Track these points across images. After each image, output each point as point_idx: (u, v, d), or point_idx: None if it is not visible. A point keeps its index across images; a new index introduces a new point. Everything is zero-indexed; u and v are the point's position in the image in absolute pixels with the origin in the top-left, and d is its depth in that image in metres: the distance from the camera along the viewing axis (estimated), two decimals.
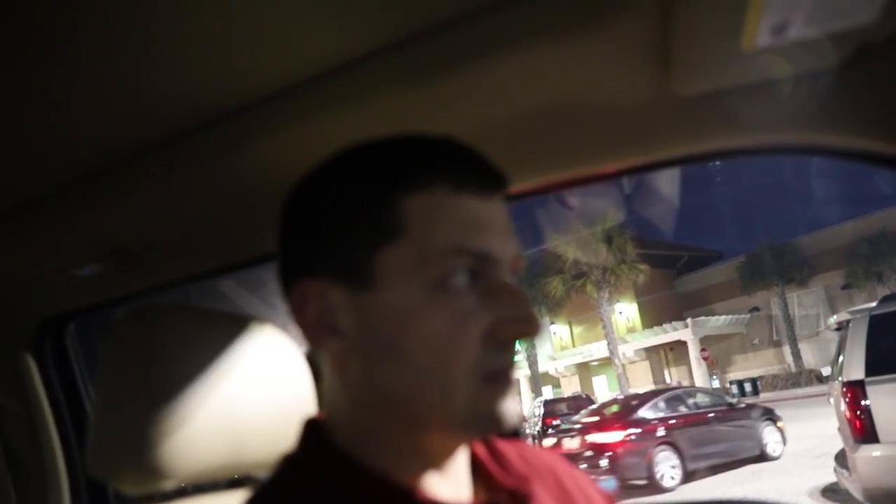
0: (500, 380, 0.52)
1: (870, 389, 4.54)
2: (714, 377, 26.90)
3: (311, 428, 0.57)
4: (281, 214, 0.57)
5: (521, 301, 0.52)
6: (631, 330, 29.68)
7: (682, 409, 10.02)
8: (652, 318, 28.88)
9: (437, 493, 0.53)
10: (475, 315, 0.50)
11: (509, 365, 0.53)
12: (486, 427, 0.52)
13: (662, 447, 9.10)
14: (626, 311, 30.30)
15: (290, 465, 0.55)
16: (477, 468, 0.59)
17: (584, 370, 30.94)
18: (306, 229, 0.54)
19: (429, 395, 0.50)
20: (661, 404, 10.01)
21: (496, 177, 0.54)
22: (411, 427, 0.52)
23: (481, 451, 0.60)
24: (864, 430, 4.54)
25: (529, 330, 0.52)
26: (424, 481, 0.53)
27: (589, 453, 9.05)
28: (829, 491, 6.89)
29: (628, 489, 8.84)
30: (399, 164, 0.52)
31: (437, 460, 0.54)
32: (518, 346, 0.56)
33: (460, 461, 0.57)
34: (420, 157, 0.53)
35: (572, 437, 9.55)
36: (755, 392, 24.93)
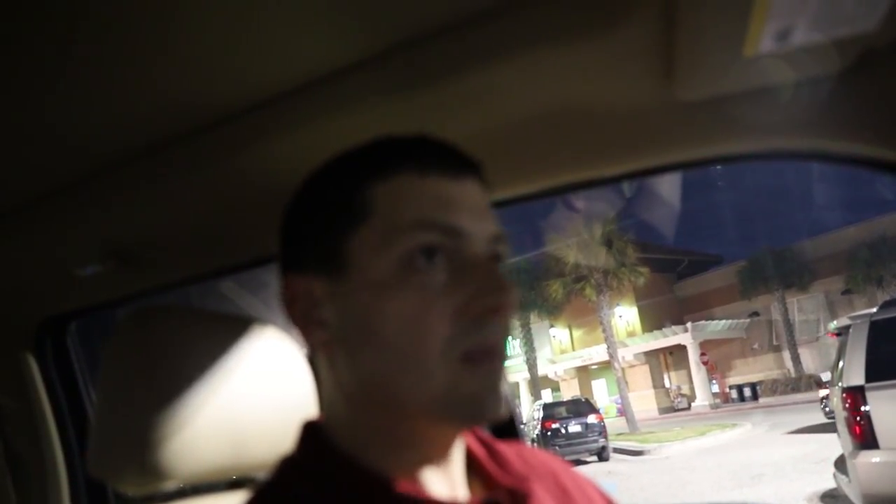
0: (480, 359, 0.50)
1: (870, 395, 4.52)
2: (714, 382, 26.85)
3: (310, 429, 0.57)
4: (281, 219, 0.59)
5: (493, 274, 0.51)
6: (631, 334, 29.63)
7: None
8: (652, 321, 28.85)
9: (435, 492, 0.53)
10: (444, 291, 0.50)
11: (490, 343, 0.51)
12: (469, 412, 0.51)
13: None
14: (626, 315, 30.26)
15: (289, 466, 0.56)
16: (474, 467, 0.59)
17: (584, 374, 30.91)
18: (292, 228, 0.57)
19: (407, 378, 0.50)
20: None
21: (463, 160, 0.55)
22: (395, 414, 0.52)
23: (479, 450, 0.60)
24: (863, 435, 4.53)
25: (502, 302, 0.51)
26: (422, 480, 0.54)
27: None
28: (829, 496, 6.87)
29: None
30: (368, 157, 0.55)
31: (432, 457, 0.54)
32: (507, 326, 0.53)
33: (456, 460, 0.57)
34: (388, 150, 0.55)
35: None
36: (755, 397, 24.89)
